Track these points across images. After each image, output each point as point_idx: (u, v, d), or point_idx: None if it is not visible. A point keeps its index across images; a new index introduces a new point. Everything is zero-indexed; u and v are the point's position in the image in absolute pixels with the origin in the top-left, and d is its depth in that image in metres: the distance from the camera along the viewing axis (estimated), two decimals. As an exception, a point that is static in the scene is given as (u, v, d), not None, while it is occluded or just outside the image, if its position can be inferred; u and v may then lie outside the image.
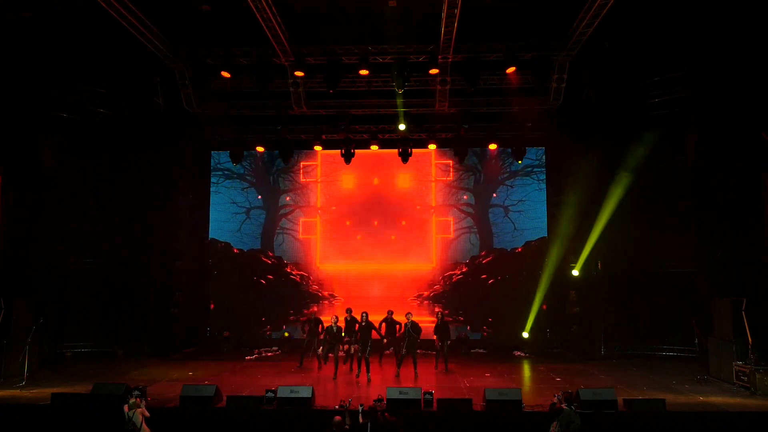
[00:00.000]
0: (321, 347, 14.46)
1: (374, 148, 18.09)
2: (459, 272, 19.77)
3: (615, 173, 15.90)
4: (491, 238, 19.77)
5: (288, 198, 20.34)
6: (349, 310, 14.64)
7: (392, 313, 14.86)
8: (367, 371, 13.58)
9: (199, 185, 18.86)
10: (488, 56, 15.16)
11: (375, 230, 20.03)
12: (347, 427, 8.79)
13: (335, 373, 13.66)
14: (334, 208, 20.24)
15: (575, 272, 16.57)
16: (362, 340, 13.78)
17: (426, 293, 19.74)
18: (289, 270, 20.07)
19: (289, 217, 20.47)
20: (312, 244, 20.21)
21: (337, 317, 14.42)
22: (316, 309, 19.28)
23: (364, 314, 14.13)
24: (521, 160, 18.25)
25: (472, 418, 10.31)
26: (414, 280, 19.89)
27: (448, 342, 14.73)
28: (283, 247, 20.17)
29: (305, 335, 15.26)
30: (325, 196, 20.28)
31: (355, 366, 13.96)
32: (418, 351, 14.34)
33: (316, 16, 14.30)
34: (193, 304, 18.06)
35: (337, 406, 9.88)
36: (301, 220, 20.29)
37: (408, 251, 19.96)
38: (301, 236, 20.19)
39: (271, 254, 20.12)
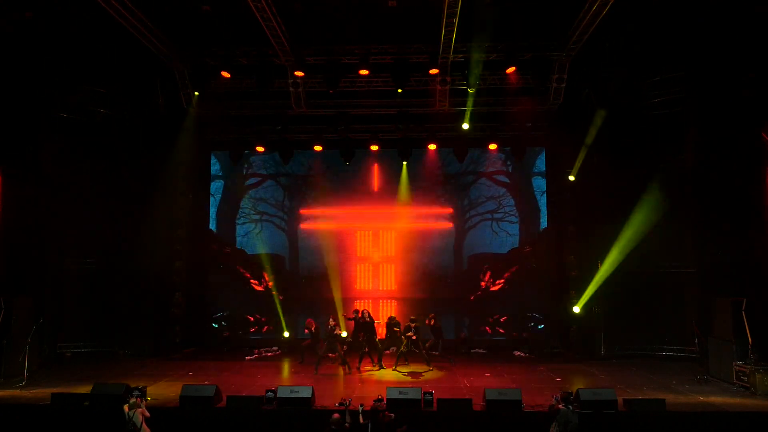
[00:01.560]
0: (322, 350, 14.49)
1: (374, 148, 18.07)
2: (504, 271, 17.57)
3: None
4: (535, 221, 17.61)
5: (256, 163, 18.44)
6: (355, 312, 15.06)
7: (393, 318, 15.37)
8: (379, 360, 14.56)
9: (199, 185, 18.81)
10: (488, 56, 15.16)
11: (373, 214, 18.39)
12: (347, 425, 8.80)
13: (316, 368, 13.93)
14: (320, 177, 18.20)
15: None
16: (368, 338, 14.51)
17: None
18: (240, 264, 18.56)
19: (258, 191, 18.79)
20: (293, 233, 18.81)
21: (334, 322, 14.54)
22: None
23: (365, 312, 14.79)
24: (521, 160, 18.24)
25: (472, 418, 10.32)
26: (421, 279, 18.44)
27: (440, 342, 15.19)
28: (252, 235, 18.46)
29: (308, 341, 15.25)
30: (311, 160, 18.39)
31: (359, 362, 14.48)
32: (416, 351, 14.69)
33: (316, 16, 14.28)
34: (193, 304, 18.03)
35: (336, 404, 9.87)
36: (274, 195, 18.62)
37: (414, 243, 18.51)
38: (273, 221, 18.58)
39: (228, 248, 18.48)
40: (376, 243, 19.23)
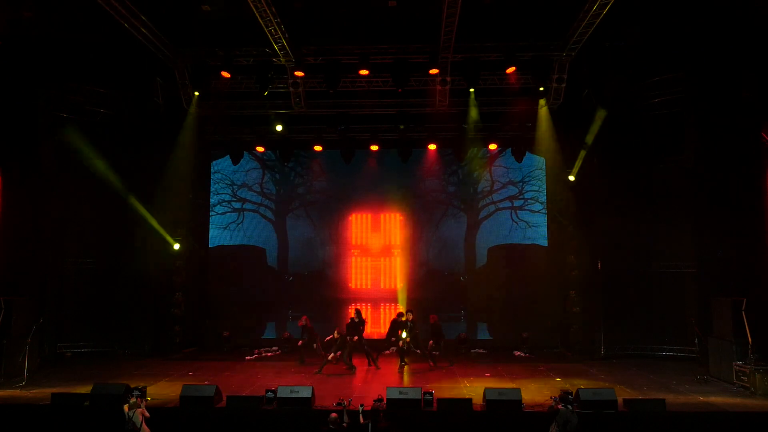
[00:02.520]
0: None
1: (374, 148, 18.04)
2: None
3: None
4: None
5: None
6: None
7: (402, 315, 14.98)
8: (370, 362, 14.50)
9: (199, 185, 18.79)
10: (488, 56, 15.17)
11: (375, 201, 17.18)
12: (345, 425, 8.81)
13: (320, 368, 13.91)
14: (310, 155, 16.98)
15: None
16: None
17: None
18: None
19: (239, 174, 17.55)
20: (281, 223, 17.75)
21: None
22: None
23: (357, 310, 14.78)
24: (521, 161, 18.18)
25: (472, 418, 10.31)
26: (427, 277, 17.12)
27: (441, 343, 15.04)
28: (232, 227, 17.32)
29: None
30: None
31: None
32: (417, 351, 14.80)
33: (316, 16, 14.30)
34: (193, 304, 18.01)
35: (334, 404, 9.87)
36: (259, 182, 17.56)
37: (420, 234, 17.26)
38: (260, 210, 17.42)
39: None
40: (377, 228, 18.07)
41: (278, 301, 18.19)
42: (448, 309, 16.89)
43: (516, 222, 17.15)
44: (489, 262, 17.48)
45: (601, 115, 15.61)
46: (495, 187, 17.45)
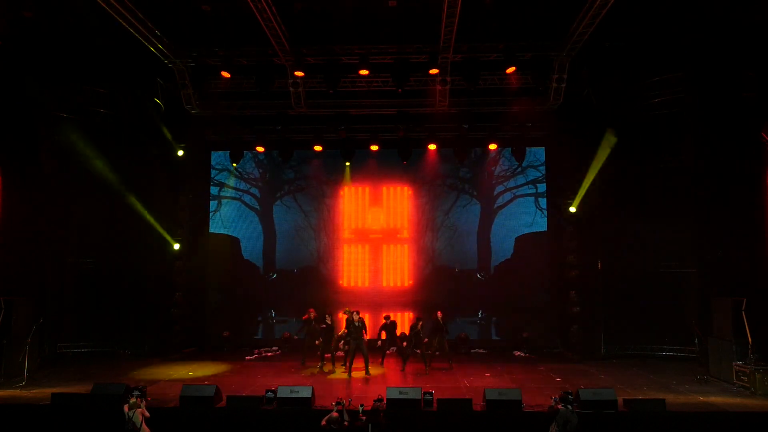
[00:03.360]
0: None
1: (374, 148, 18.04)
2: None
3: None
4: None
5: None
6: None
7: (389, 317, 14.95)
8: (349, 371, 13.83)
9: (199, 185, 18.76)
10: (488, 56, 15.17)
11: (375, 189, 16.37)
12: (346, 423, 8.82)
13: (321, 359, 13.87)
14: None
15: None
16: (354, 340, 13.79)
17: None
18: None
19: (216, 154, 17.10)
20: (266, 212, 17.21)
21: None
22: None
23: (355, 313, 14.08)
24: (521, 161, 18.17)
25: (472, 418, 10.32)
26: (435, 273, 16.47)
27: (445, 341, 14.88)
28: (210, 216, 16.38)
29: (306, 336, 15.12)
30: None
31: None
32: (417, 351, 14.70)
33: (316, 16, 14.28)
34: (193, 304, 18.01)
35: (333, 404, 9.87)
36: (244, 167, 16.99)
37: (427, 222, 16.44)
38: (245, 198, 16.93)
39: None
40: (377, 202, 16.93)
41: (266, 301, 17.93)
42: (458, 311, 16.04)
43: (541, 210, 15.96)
44: (515, 254, 16.11)
45: (609, 141, 15.34)
46: (509, 173, 16.26)
